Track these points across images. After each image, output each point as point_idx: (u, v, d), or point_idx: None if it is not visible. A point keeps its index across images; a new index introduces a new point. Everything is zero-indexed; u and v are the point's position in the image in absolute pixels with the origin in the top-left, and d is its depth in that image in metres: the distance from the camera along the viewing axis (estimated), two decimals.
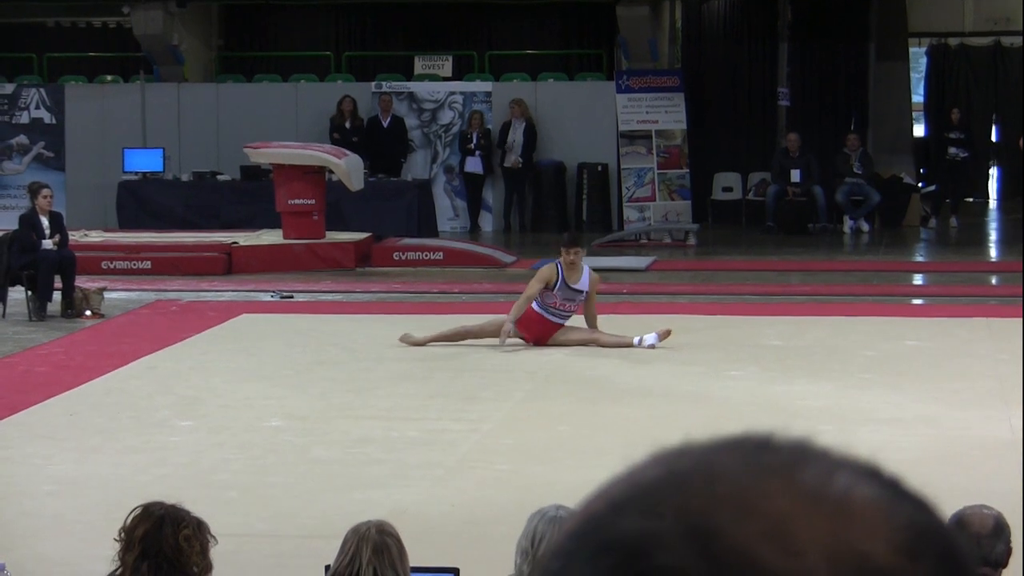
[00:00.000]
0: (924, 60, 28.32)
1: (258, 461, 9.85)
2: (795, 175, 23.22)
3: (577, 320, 13.99)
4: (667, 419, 10.78)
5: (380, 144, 23.57)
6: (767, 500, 0.95)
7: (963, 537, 1.01)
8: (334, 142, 22.55)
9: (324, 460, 9.87)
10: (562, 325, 13.88)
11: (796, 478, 0.96)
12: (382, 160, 23.21)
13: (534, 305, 13.85)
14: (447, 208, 24.02)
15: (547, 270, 13.95)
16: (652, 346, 13.46)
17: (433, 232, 22.22)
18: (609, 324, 14.12)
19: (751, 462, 0.98)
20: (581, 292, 13.79)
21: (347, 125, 23.71)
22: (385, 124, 23.85)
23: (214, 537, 4.86)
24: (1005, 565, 5.07)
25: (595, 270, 14.30)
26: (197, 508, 4.98)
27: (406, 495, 8.95)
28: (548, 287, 13.80)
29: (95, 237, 20.43)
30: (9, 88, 24.42)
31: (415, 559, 5.22)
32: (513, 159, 23.64)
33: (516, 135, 23.68)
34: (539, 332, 13.84)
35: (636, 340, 13.56)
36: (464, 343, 13.84)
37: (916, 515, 0.98)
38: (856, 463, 0.99)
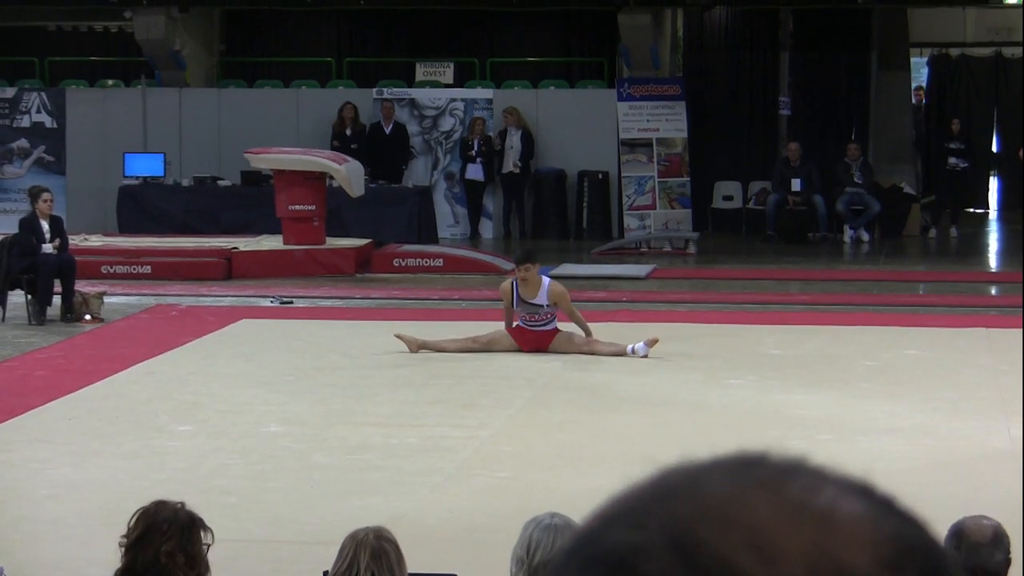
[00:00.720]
0: (925, 70, 28.34)
1: (257, 467, 9.84)
2: (796, 184, 23.22)
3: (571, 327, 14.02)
4: (666, 427, 10.79)
5: (382, 150, 23.58)
6: (750, 512, 0.96)
7: (952, 555, 1.02)
8: (334, 149, 22.51)
9: (323, 466, 9.87)
10: (552, 331, 13.91)
11: (781, 491, 0.97)
12: (384, 166, 23.22)
13: (518, 320, 13.99)
14: (447, 215, 24.01)
15: (504, 287, 14.19)
16: (645, 355, 13.49)
17: (433, 239, 22.21)
18: (608, 332, 14.15)
19: (739, 477, 0.99)
20: (540, 306, 13.85)
21: (348, 132, 23.71)
22: (388, 131, 23.85)
23: (210, 531, 4.83)
24: (1004, 575, 5.06)
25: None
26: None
27: (405, 502, 8.94)
28: (510, 301, 13.93)
29: (95, 241, 20.42)
30: (10, 92, 24.43)
31: (413, 565, 5.22)
32: (512, 162, 23.65)
33: (512, 142, 23.69)
34: (532, 343, 13.88)
35: (629, 348, 13.60)
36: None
37: (902, 529, 0.98)
38: (847, 480, 1.00)
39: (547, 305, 13.85)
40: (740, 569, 0.94)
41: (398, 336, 13.83)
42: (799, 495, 0.97)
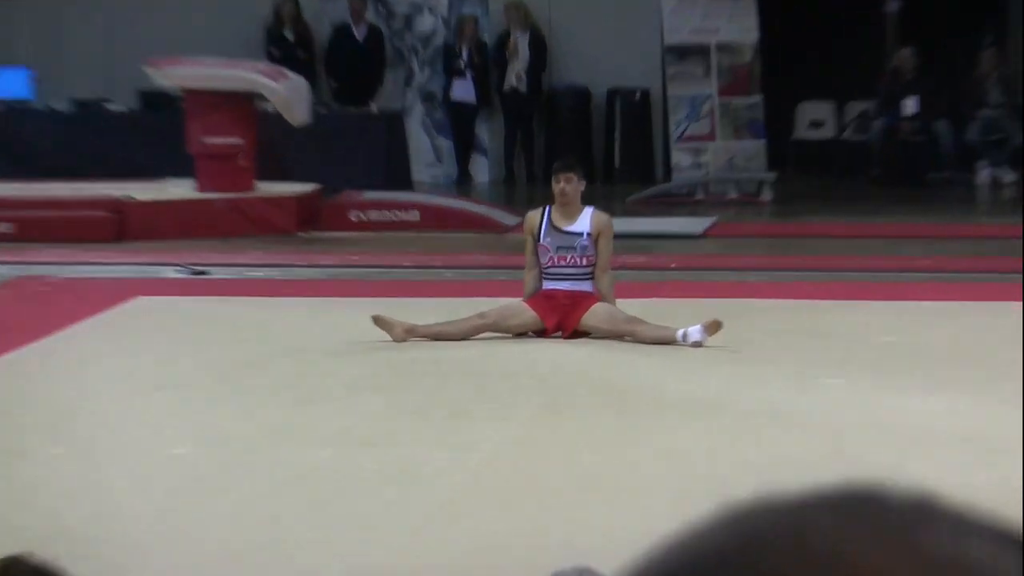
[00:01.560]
0: None
1: (155, 505, 9.74)
2: (910, 106, 23.33)
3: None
4: (732, 446, 10.77)
5: (354, 62, 23.60)
6: (873, 570, 0.97)
7: None
8: (271, 59, 22.64)
9: (250, 503, 9.75)
10: (588, 294, 13.91)
11: (915, 544, 0.99)
12: (356, 84, 23.31)
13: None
14: (426, 150, 24.13)
15: (529, 216, 14.35)
16: (698, 343, 13.54)
17: (407, 184, 22.33)
18: (650, 312, 14.18)
19: (851, 520, 1.01)
20: (579, 235, 14.00)
21: (288, 35, 23.74)
22: (359, 36, 23.87)
23: None
24: None
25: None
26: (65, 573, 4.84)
27: (366, 556, 8.80)
28: (535, 237, 14.04)
29: None
30: None
31: None
32: (515, 75, 23.67)
33: (519, 50, 23.71)
34: (560, 310, 13.91)
35: (680, 334, 13.65)
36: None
37: None
38: (995, 527, 1.02)
39: (587, 235, 13.93)
40: None
41: (376, 320, 13.73)
42: (939, 550, 0.99)
